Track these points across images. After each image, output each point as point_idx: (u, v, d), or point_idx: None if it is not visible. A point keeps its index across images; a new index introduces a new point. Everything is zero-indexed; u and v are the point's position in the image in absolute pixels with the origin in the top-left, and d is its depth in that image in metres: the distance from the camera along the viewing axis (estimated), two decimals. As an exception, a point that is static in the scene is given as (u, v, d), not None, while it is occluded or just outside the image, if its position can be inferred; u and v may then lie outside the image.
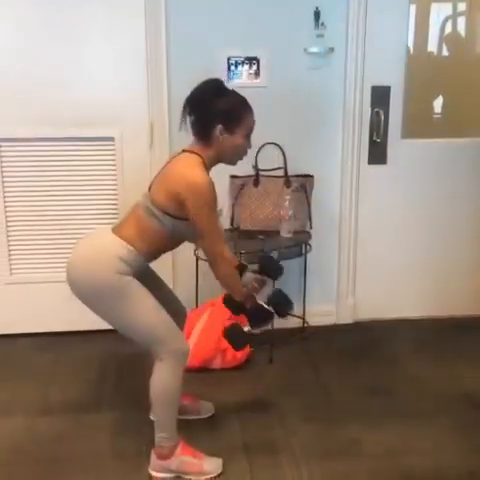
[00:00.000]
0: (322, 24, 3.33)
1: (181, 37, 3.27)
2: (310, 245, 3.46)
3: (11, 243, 3.45)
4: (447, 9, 3.74)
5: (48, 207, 3.43)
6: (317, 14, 3.31)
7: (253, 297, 2.43)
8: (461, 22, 3.78)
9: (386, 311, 3.77)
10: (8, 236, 3.44)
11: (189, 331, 3.10)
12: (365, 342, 3.53)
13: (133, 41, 3.26)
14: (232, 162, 2.38)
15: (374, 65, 3.44)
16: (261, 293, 2.50)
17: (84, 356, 3.32)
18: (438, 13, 3.73)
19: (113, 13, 3.23)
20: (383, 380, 3.09)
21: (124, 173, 3.38)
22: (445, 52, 3.80)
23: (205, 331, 3.14)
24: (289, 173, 3.45)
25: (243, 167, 3.39)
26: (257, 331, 2.45)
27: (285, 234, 3.35)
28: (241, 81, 3.32)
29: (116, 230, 2.29)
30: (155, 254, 2.34)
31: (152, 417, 2.59)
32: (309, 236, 3.47)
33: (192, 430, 2.53)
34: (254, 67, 3.35)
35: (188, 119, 2.28)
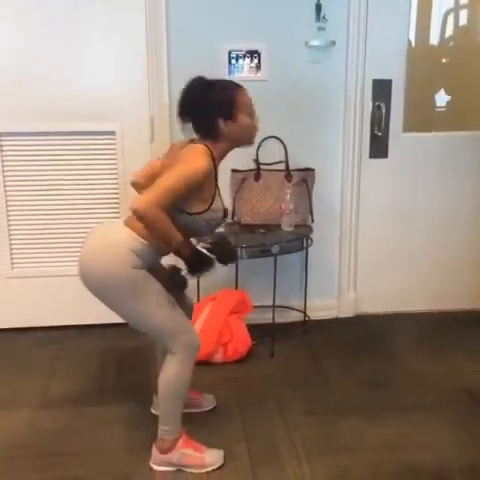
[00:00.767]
0: (323, 17, 3.32)
1: (182, 31, 3.26)
2: (311, 239, 3.46)
3: (12, 237, 3.45)
4: (449, 2, 3.72)
5: (49, 201, 3.43)
6: (318, 7, 3.30)
7: (191, 243, 2.30)
8: (463, 15, 3.76)
9: (387, 305, 3.77)
10: (9, 230, 3.44)
11: (190, 325, 3.11)
12: (366, 336, 3.53)
13: (134, 35, 3.25)
14: (249, 142, 2.36)
15: (375, 58, 3.43)
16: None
17: (85, 350, 3.33)
18: (439, 6, 3.71)
19: (114, 6, 3.22)
20: (384, 374, 3.10)
21: (125, 167, 3.37)
22: (447, 45, 3.78)
23: (206, 325, 3.15)
24: (290, 167, 3.45)
25: (244, 161, 3.40)
26: (195, 277, 2.33)
27: (286, 228, 3.35)
28: (242, 75, 3.31)
29: (128, 223, 2.27)
30: (165, 248, 2.31)
31: (154, 411, 2.60)
32: (310, 230, 3.47)
33: (194, 423, 2.54)
34: (255, 61, 3.34)
35: (186, 124, 2.29)
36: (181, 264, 2.28)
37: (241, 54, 3.33)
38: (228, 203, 3.46)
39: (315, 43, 3.35)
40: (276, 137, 3.42)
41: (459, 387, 2.95)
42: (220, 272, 2.45)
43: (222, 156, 2.32)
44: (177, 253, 2.27)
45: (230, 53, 3.32)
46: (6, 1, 3.19)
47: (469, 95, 3.81)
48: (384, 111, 3.49)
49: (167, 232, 2.19)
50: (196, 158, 2.19)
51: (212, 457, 2.38)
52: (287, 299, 3.63)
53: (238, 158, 3.14)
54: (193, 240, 2.33)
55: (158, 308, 2.25)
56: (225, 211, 2.42)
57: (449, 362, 3.20)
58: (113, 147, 3.39)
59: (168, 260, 2.36)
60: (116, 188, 3.43)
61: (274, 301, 3.30)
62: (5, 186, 3.38)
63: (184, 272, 2.28)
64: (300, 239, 3.38)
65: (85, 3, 3.20)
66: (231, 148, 2.33)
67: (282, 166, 3.45)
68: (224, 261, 2.36)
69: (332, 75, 3.43)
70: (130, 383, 3.00)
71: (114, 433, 2.61)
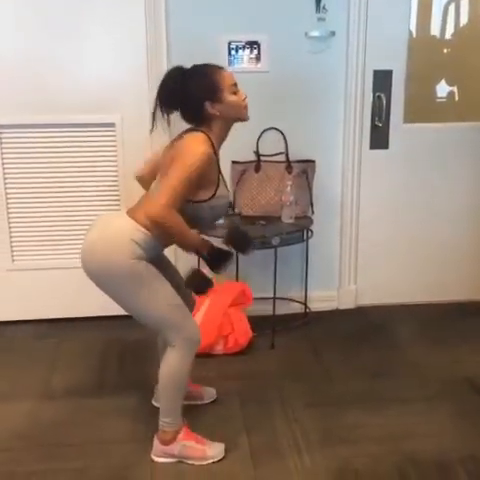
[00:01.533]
0: (323, 7, 3.30)
1: (181, 22, 3.25)
2: (312, 231, 3.45)
3: (13, 230, 3.45)
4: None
5: (49, 193, 3.42)
6: (318, -3, 3.29)
7: (208, 242, 2.33)
8: (464, 5, 3.74)
9: (388, 296, 3.77)
10: (9, 223, 3.43)
11: (191, 317, 3.11)
12: (367, 327, 3.53)
13: (133, 27, 3.24)
14: (242, 118, 2.33)
15: (376, 49, 3.41)
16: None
17: (86, 342, 3.33)
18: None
19: (113, -3, 3.21)
20: (385, 365, 3.10)
21: (125, 159, 3.37)
22: (448, 35, 3.76)
23: (207, 317, 3.14)
24: (290, 158, 3.44)
25: (244, 153, 3.39)
26: (221, 272, 2.36)
27: (286, 220, 3.35)
28: (242, 66, 3.30)
29: (130, 213, 2.27)
30: (168, 238, 2.30)
31: (155, 403, 2.60)
32: (311, 222, 3.47)
33: (194, 415, 2.54)
34: (255, 52, 3.32)
35: (166, 116, 2.27)
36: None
37: (241, 45, 3.31)
38: (229, 195, 3.46)
39: (315, 34, 3.33)
40: (276, 128, 3.41)
41: (461, 378, 2.95)
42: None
43: (223, 138, 2.32)
44: (196, 253, 2.32)
45: (230, 44, 3.30)
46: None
47: (470, 86, 3.80)
48: (385, 102, 3.48)
49: (184, 233, 2.24)
50: (195, 147, 2.18)
51: (213, 449, 2.39)
52: (288, 291, 3.63)
53: (238, 149, 3.15)
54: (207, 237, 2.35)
55: (159, 300, 2.25)
56: (229, 202, 2.43)
57: (450, 353, 3.20)
58: (113, 139, 3.38)
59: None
60: (116, 180, 3.42)
61: (275, 293, 3.29)
62: (5, 179, 3.37)
63: (206, 272, 2.33)
64: (300, 231, 3.38)
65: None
66: (228, 127, 2.32)
67: (282, 158, 3.44)
68: (243, 251, 2.41)
69: (332, 66, 3.41)
70: (131, 375, 3.00)
71: (115, 425, 2.61)
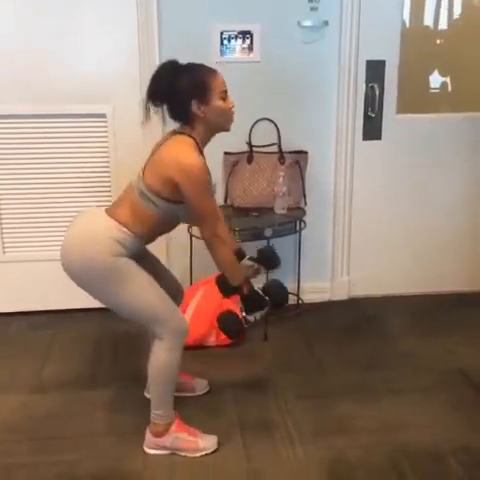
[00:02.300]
0: (316, -3, 3.29)
1: (173, 11, 3.22)
2: (304, 222, 3.44)
3: (4, 221, 3.43)
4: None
5: (40, 185, 3.40)
6: (311, -14, 3.27)
7: (250, 283, 2.41)
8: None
9: (381, 287, 3.77)
10: (0, 214, 3.41)
11: (183, 309, 3.08)
12: (360, 319, 3.53)
13: (125, 16, 3.21)
14: (225, 128, 2.31)
15: (369, 39, 3.39)
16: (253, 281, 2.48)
17: (79, 334, 3.32)
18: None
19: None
20: (378, 356, 3.10)
21: (116, 150, 3.35)
22: (441, 26, 3.75)
23: (199, 309, 3.14)
24: (283, 149, 3.43)
25: (236, 143, 3.38)
26: (252, 318, 2.43)
27: (279, 211, 3.34)
28: (234, 56, 3.27)
29: (110, 212, 2.25)
30: (151, 237, 2.32)
31: (147, 395, 2.60)
32: (303, 213, 3.46)
33: (187, 407, 2.54)
34: (247, 41, 3.30)
35: (155, 109, 2.25)
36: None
37: (233, 35, 3.28)
38: (221, 186, 3.44)
39: (308, 23, 3.31)
40: (269, 119, 3.40)
41: (454, 368, 2.95)
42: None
43: (204, 143, 2.29)
44: (237, 291, 2.37)
45: (222, 34, 3.27)
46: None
47: (464, 76, 3.79)
48: (378, 92, 3.46)
49: (234, 265, 2.33)
50: (190, 160, 2.15)
51: (206, 441, 2.38)
52: (280, 282, 3.62)
53: (231, 141, 3.13)
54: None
55: (142, 294, 2.23)
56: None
57: (444, 344, 3.20)
58: (104, 130, 3.36)
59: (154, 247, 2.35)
60: (107, 171, 3.41)
61: (267, 284, 3.28)
62: (-6, 170, 3.35)
63: (243, 313, 2.41)
64: (293, 222, 3.37)
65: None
66: (208, 135, 2.29)
67: (275, 148, 3.43)
68: (278, 305, 2.53)
69: (325, 56, 3.40)
70: (124, 367, 2.99)
71: (107, 417, 2.61)
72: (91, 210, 2.56)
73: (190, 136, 2.23)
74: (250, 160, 3.43)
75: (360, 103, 3.49)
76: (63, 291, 3.45)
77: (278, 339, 3.28)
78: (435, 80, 3.85)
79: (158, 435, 2.35)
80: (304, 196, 3.51)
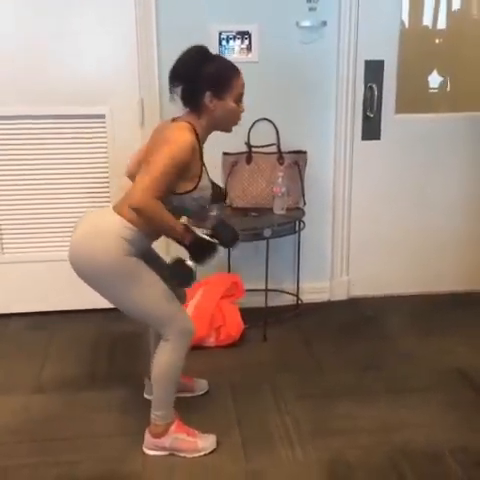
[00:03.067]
0: (315, -3, 3.29)
1: (171, 12, 3.22)
2: (303, 222, 3.44)
3: (2, 222, 3.43)
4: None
5: (39, 186, 3.40)
6: (309, -13, 3.27)
7: (191, 231, 2.23)
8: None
9: (380, 287, 3.77)
10: (-1, 215, 3.42)
11: (182, 309, 3.10)
12: (359, 319, 3.53)
13: (123, 17, 3.21)
14: (227, 129, 2.31)
15: (367, 39, 3.40)
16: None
17: (78, 335, 3.32)
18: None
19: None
20: (377, 356, 3.10)
21: (115, 151, 3.35)
22: (440, 26, 3.75)
23: (198, 309, 3.14)
24: (282, 149, 3.42)
25: (235, 144, 3.38)
26: (203, 265, 2.26)
27: (278, 211, 3.34)
28: (233, 56, 3.26)
29: (118, 209, 2.24)
30: (157, 232, 2.30)
31: (146, 396, 2.60)
32: (302, 213, 3.46)
33: (186, 408, 2.53)
34: (246, 42, 3.30)
35: (176, 90, 2.22)
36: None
37: (232, 35, 3.29)
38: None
39: (306, 24, 3.31)
40: (268, 119, 3.40)
41: (452, 369, 2.96)
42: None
43: (204, 136, 2.28)
44: (178, 242, 2.25)
45: (220, 34, 3.28)
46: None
47: (462, 76, 3.79)
48: (376, 92, 3.46)
49: (166, 222, 2.17)
50: (179, 135, 2.14)
51: (205, 442, 2.38)
52: (280, 282, 3.63)
53: (229, 141, 3.12)
54: (194, 228, 2.26)
55: (150, 295, 2.23)
56: (223, 193, 2.38)
57: (442, 344, 3.21)
58: (103, 130, 3.36)
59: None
60: (106, 172, 3.40)
61: (266, 285, 3.29)
62: (-7, 171, 3.35)
63: (189, 262, 2.22)
64: (292, 222, 3.37)
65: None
66: (210, 130, 2.28)
67: (274, 149, 3.43)
68: (227, 244, 2.36)
69: (324, 56, 3.40)
70: (123, 368, 2.99)
71: (107, 418, 2.60)
72: (98, 209, 2.53)
73: (190, 123, 2.20)
74: (249, 160, 3.43)
75: (359, 103, 3.49)
76: (62, 292, 3.48)
77: (277, 339, 3.28)
78: (434, 80, 3.85)
79: (158, 436, 2.35)
80: (303, 196, 3.50)
